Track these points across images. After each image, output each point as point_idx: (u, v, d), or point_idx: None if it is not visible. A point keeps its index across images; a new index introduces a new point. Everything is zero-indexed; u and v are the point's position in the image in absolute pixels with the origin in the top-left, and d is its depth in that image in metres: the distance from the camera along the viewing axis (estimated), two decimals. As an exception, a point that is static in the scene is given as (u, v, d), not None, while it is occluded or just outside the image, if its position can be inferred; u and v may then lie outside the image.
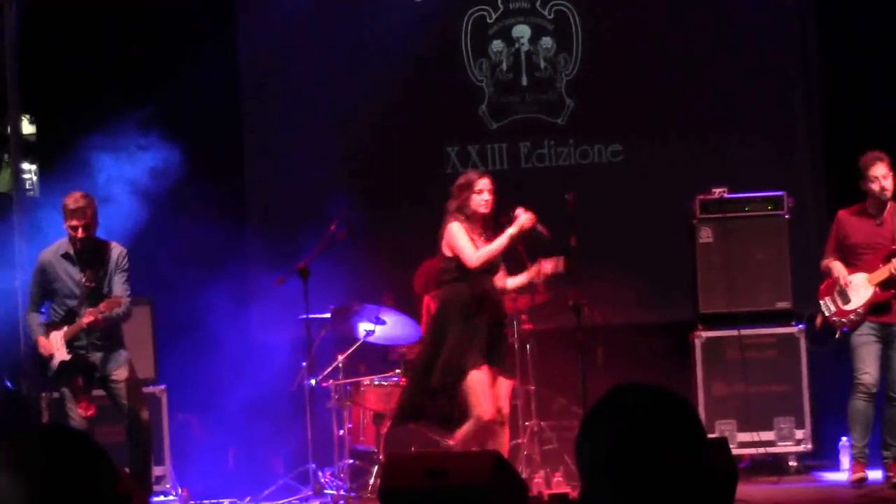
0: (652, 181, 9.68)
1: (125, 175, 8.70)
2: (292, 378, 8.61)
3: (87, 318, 7.17)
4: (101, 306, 7.16)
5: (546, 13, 9.97)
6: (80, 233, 7.30)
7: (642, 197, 9.64)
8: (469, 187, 7.09)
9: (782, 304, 8.66)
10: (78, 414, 7.29)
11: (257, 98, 9.99)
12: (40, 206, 9.12)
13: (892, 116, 9.14)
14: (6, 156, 8.99)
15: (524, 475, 7.62)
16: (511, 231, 7.00)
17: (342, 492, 8.01)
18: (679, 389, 2.14)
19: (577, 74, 9.91)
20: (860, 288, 7.65)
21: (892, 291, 7.61)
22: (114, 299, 7.22)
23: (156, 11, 9.68)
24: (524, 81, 9.98)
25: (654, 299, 9.42)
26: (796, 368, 8.53)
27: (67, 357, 7.29)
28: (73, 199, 7.34)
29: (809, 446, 8.52)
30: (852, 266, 7.73)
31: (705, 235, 8.76)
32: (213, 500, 8.34)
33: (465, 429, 6.91)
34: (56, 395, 7.65)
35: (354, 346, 8.42)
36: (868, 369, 7.62)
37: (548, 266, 7.06)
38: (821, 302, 7.84)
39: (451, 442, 7.19)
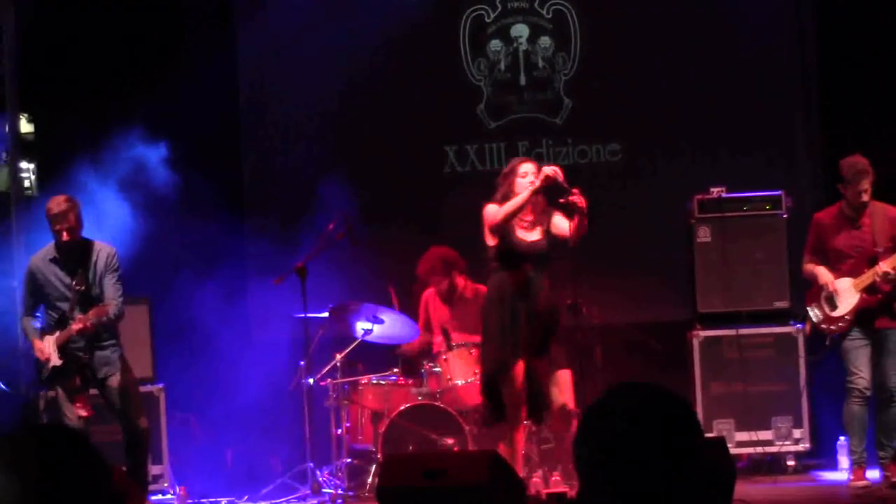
0: (650, 181, 9.69)
1: (123, 175, 8.69)
2: (290, 377, 8.60)
3: (76, 325, 7.16)
4: (90, 314, 7.13)
5: (544, 12, 9.96)
6: (64, 236, 7.29)
7: (640, 196, 9.64)
8: (513, 173, 7.18)
9: (780, 304, 8.66)
10: (74, 414, 7.29)
11: (255, 98, 9.98)
12: (39, 206, 9.12)
13: (890, 116, 9.15)
14: (4, 155, 8.98)
15: (522, 474, 7.62)
16: (535, 184, 7.03)
17: (340, 491, 8.00)
18: (677, 389, 2.14)
19: (575, 74, 9.91)
20: (847, 294, 7.61)
21: (878, 296, 7.57)
22: (101, 307, 7.20)
23: (155, 10, 9.66)
24: (522, 81, 9.98)
25: (653, 299, 9.42)
26: (794, 368, 8.53)
27: (59, 363, 7.28)
28: (56, 203, 7.32)
29: (807, 445, 8.52)
30: (836, 271, 7.69)
31: (703, 235, 8.77)
32: (211, 499, 8.34)
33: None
34: (52, 393, 7.65)
35: (353, 346, 8.42)
36: (861, 373, 7.60)
37: (548, 169, 7.06)
38: (808, 309, 7.82)
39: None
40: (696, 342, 8.63)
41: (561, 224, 7.14)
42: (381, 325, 8.36)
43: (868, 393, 7.62)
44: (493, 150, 9.94)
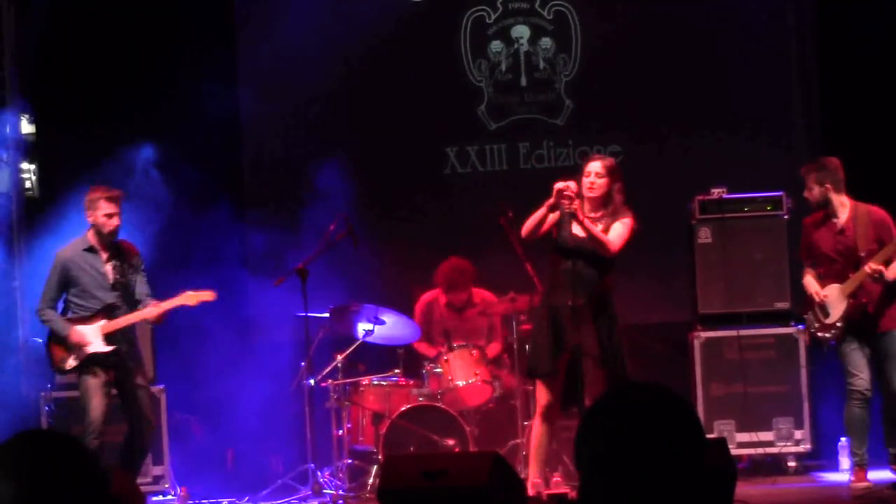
0: (651, 182, 9.67)
1: (122, 175, 8.69)
2: (291, 378, 8.61)
3: (152, 310, 7.36)
4: (157, 304, 7.37)
5: (545, 13, 9.96)
6: (115, 220, 7.43)
7: (641, 197, 9.60)
8: (581, 171, 7.21)
9: (781, 305, 8.66)
10: (100, 405, 7.31)
11: (256, 100, 9.97)
12: (39, 206, 9.12)
13: (890, 117, 9.14)
14: (5, 155, 8.99)
15: (523, 475, 7.62)
16: (549, 201, 7.05)
17: (341, 492, 8.01)
18: (678, 389, 2.14)
19: (576, 75, 9.91)
20: (835, 301, 7.61)
21: (865, 300, 7.56)
22: (157, 301, 7.44)
23: (155, 10, 9.66)
24: (523, 82, 9.98)
25: (653, 299, 9.42)
26: (795, 368, 8.53)
27: (108, 349, 7.33)
28: (106, 189, 7.51)
29: (808, 446, 8.52)
30: (826, 276, 7.68)
31: (704, 236, 8.76)
32: (211, 500, 8.34)
33: None
34: (51, 391, 7.69)
35: (353, 346, 8.42)
36: (860, 374, 7.58)
37: (560, 184, 7.04)
38: (806, 317, 7.83)
39: None
40: (696, 343, 8.63)
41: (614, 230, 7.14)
42: (381, 326, 8.36)
43: (869, 394, 7.61)
44: (494, 151, 9.94)
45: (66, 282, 7.49)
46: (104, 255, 7.50)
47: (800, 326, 8.45)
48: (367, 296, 8.69)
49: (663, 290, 9.41)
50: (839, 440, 8.25)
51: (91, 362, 7.37)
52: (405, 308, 8.71)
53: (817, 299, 7.62)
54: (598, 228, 7.05)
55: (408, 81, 9.90)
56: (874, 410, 7.66)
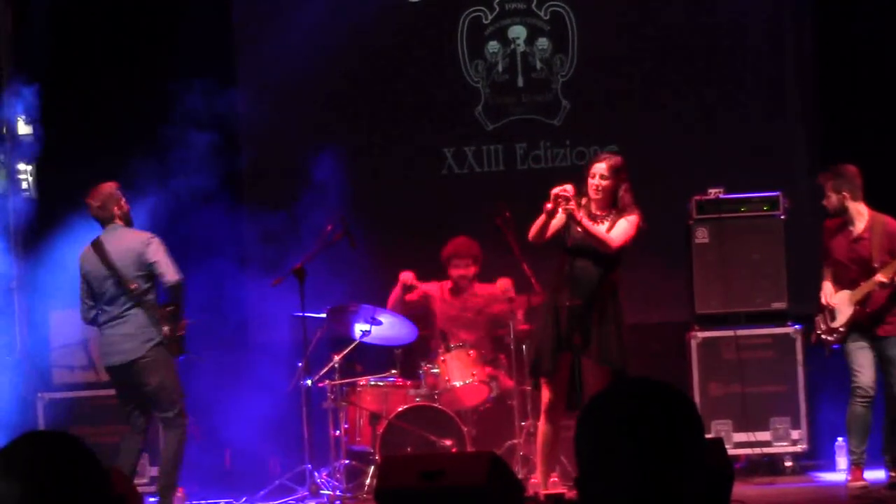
0: (648, 182, 9.66)
1: (121, 174, 8.68)
2: (288, 378, 8.60)
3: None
4: None
5: (542, 14, 9.97)
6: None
7: (638, 198, 9.59)
8: (586, 173, 7.22)
9: (778, 305, 8.67)
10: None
11: (254, 100, 9.98)
12: (38, 207, 9.12)
13: (889, 117, 9.15)
14: (2, 156, 8.98)
15: (520, 475, 7.63)
16: (547, 207, 7.04)
17: (338, 492, 8.01)
18: (675, 389, 2.14)
19: (572, 75, 9.91)
20: (844, 306, 7.69)
21: (870, 310, 7.61)
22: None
23: (153, 9, 9.67)
24: (520, 83, 9.98)
25: (651, 299, 9.42)
26: (792, 369, 8.54)
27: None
28: (110, 182, 7.65)
29: (805, 446, 8.53)
30: (841, 281, 7.76)
31: (701, 236, 8.77)
32: (209, 501, 8.34)
33: None
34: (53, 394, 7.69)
35: (351, 347, 8.42)
36: (864, 370, 7.63)
37: (556, 189, 7.03)
38: (815, 319, 7.90)
39: None
40: (694, 343, 8.64)
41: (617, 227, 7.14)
42: (379, 327, 8.36)
43: (872, 392, 7.64)
44: (491, 151, 9.94)
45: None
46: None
47: (797, 326, 8.47)
48: (365, 296, 8.69)
49: (661, 290, 9.41)
50: (836, 440, 8.26)
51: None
52: (399, 308, 8.70)
53: (827, 303, 7.70)
54: (602, 227, 7.06)
55: (405, 82, 9.90)
56: (875, 412, 7.68)
